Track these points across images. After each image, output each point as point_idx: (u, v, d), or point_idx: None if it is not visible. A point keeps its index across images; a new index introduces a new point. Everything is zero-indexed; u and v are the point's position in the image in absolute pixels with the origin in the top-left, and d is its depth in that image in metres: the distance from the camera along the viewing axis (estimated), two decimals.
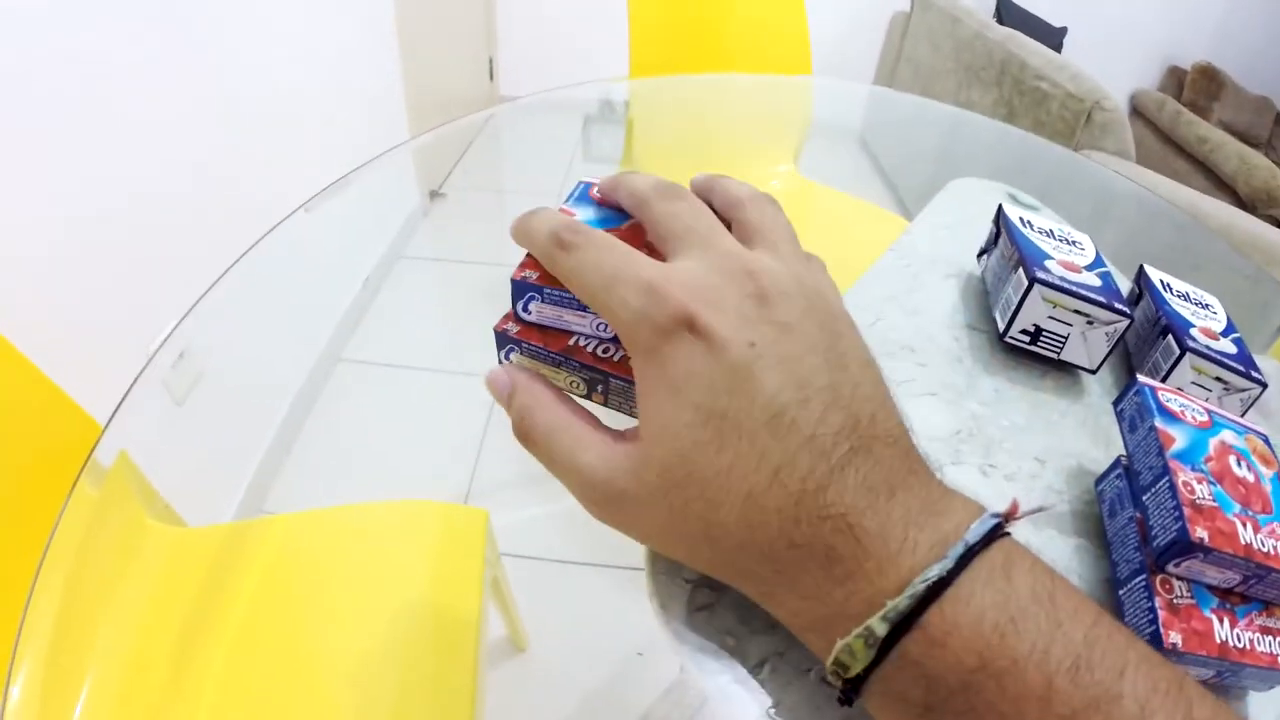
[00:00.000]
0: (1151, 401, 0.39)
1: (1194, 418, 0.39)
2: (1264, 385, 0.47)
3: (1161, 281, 0.54)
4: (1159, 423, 0.38)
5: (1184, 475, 0.36)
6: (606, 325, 0.34)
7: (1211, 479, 0.36)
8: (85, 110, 1.03)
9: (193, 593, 0.74)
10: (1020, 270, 0.48)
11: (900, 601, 0.22)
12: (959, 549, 0.23)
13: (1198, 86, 3.15)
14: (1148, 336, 0.51)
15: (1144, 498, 0.37)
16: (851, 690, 0.24)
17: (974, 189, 0.71)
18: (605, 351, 0.34)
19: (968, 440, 0.42)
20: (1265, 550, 0.34)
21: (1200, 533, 0.33)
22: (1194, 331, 0.49)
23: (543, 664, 1.22)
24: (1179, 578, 0.35)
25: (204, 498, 1.25)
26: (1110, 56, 3.10)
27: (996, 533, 0.24)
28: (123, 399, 0.56)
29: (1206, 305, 0.53)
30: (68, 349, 0.78)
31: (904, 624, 0.22)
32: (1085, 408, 0.47)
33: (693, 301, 0.25)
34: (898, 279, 0.54)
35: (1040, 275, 0.46)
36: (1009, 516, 0.25)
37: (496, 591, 1.03)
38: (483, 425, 1.54)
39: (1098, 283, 0.48)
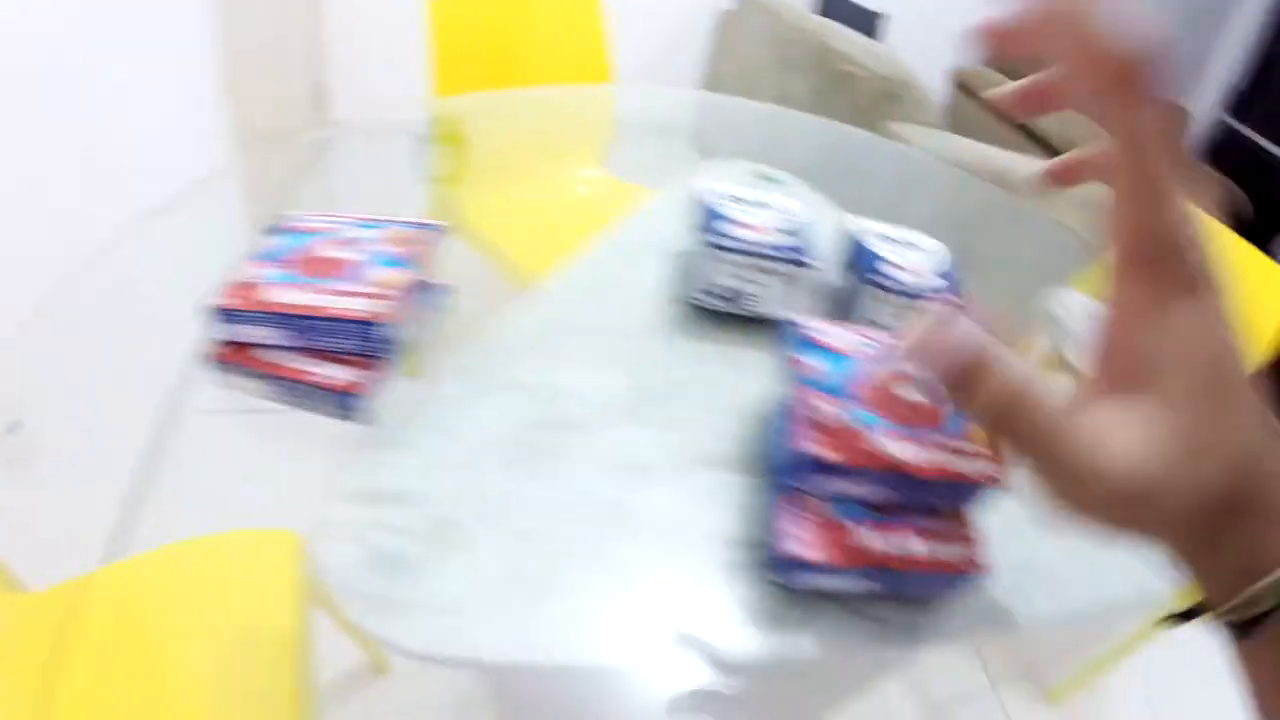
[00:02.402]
0: (800, 338, 0.41)
1: (855, 349, 0.41)
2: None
3: (865, 230, 0.56)
4: (800, 355, 0.40)
5: (814, 399, 0.37)
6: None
7: (856, 400, 0.38)
8: None
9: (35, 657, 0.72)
10: (705, 238, 0.50)
11: None
12: None
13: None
14: (848, 282, 0.54)
15: (783, 424, 0.39)
16: (1251, 625, 0.25)
17: (720, 170, 0.73)
18: None
19: (642, 398, 0.44)
20: (918, 462, 0.35)
21: (816, 449, 0.35)
22: (883, 266, 0.51)
23: (405, 684, 1.20)
24: (820, 497, 0.37)
25: (55, 564, 1.19)
26: (931, 38, 3.25)
27: None
28: None
29: (912, 244, 0.55)
30: None
31: None
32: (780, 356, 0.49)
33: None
34: (609, 263, 0.56)
35: (718, 241, 0.48)
36: None
37: (341, 617, 1.01)
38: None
39: (789, 241, 0.50)
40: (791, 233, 0.51)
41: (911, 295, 0.50)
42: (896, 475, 0.36)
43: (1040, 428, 0.25)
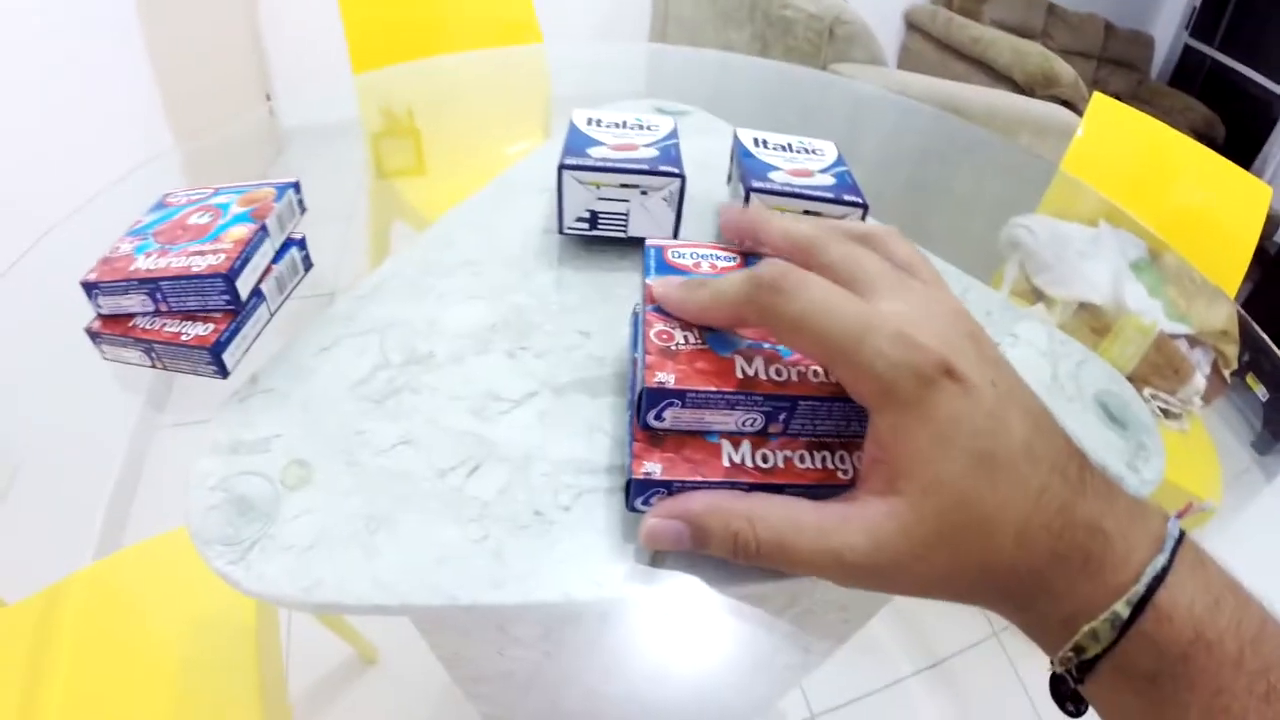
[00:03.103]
0: (652, 259, 0.38)
1: (714, 266, 0.38)
2: (863, 206, 0.48)
3: (755, 139, 0.55)
4: (649, 279, 0.37)
5: (661, 325, 0.34)
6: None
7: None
8: None
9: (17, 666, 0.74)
10: (562, 160, 0.49)
11: (1139, 588, 0.26)
12: (1170, 544, 0.27)
13: None
14: (735, 193, 0.53)
15: (635, 354, 0.37)
16: (1084, 670, 0.27)
17: (620, 107, 0.72)
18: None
19: (501, 330, 0.43)
20: (782, 379, 0.32)
21: (662, 377, 0.32)
22: (774, 174, 0.50)
23: (395, 673, 1.21)
24: (684, 430, 0.33)
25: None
26: None
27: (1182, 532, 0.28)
28: None
29: (813, 150, 0.54)
30: None
31: (1139, 606, 0.26)
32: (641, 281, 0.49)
33: (943, 348, 0.27)
34: (486, 205, 0.55)
35: (570, 161, 0.47)
36: (1180, 515, 0.27)
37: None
38: None
39: (651, 154, 0.49)
40: (652, 146, 0.50)
41: (800, 198, 0.48)
42: (752, 396, 0.32)
43: (769, 551, 0.29)
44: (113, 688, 0.75)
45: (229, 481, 0.36)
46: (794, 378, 0.33)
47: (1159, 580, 0.26)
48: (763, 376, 0.32)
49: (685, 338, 0.34)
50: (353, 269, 0.80)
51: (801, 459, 0.33)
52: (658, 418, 0.32)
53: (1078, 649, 0.27)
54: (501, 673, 0.52)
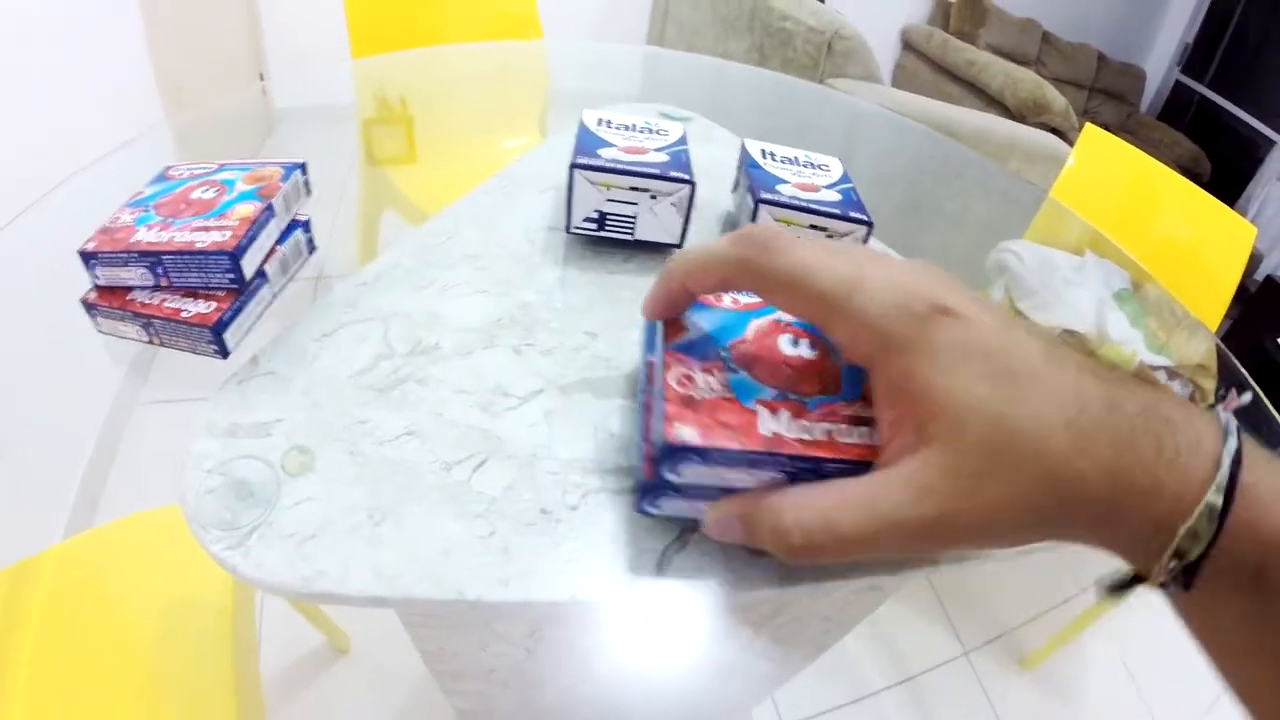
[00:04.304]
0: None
1: (735, 300, 0.36)
2: (868, 224, 0.49)
3: (762, 151, 0.56)
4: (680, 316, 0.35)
5: (681, 369, 0.32)
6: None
7: (733, 365, 0.32)
8: None
9: None
10: (573, 159, 0.49)
11: (1223, 472, 0.24)
12: (1234, 429, 0.25)
13: (962, 15, 3.35)
14: (742, 203, 0.54)
15: (652, 356, 0.34)
16: (1190, 574, 0.24)
17: (624, 109, 0.72)
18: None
19: (507, 326, 0.43)
20: (810, 439, 0.30)
21: (686, 433, 0.29)
22: (782, 187, 0.51)
23: (368, 663, 1.20)
24: (691, 485, 0.31)
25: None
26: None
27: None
28: None
29: (819, 165, 0.55)
30: None
31: (1229, 493, 0.23)
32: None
33: (933, 290, 0.27)
34: (489, 199, 0.55)
35: (581, 161, 0.48)
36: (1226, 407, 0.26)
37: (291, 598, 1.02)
38: None
39: (662, 159, 0.50)
40: (662, 151, 0.51)
41: (807, 212, 0.49)
42: (786, 459, 0.29)
43: (816, 536, 0.27)
44: (81, 667, 0.73)
45: (227, 465, 0.35)
46: (821, 436, 0.30)
47: (1237, 463, 0.24)
48: (789, 435, 0.30)
49: (707, 384, 0.31)
50: (343, 254, 0.80)
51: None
52: (673, 471, 0.30)
53: (1179, 553, 0.24)
54: (484, 669, 0.52)
